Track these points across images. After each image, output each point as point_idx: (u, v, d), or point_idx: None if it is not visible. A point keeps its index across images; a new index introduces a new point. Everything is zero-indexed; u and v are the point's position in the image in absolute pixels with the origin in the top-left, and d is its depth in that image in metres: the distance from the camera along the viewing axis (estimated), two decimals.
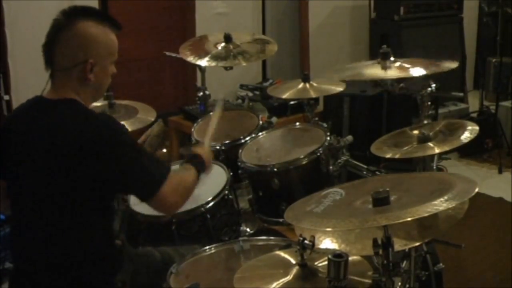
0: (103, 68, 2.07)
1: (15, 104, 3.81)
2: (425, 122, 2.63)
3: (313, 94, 3.10)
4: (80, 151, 1.93)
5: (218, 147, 2.96)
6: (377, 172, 3.01)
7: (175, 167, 2.69)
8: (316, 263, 1.82)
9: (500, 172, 4.74)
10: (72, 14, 2.04)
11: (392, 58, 2.61)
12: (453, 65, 2.57)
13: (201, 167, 2.26)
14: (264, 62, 5.19)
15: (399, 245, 1.77)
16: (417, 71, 2.52)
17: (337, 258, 1.64)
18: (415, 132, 2.55)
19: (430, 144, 2.44)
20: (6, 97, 3.79)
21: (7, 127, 2.11)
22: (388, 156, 2.46)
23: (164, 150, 4.62)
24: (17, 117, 2.15)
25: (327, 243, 1.87)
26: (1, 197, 2.14)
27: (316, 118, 3.16)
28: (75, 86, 2.03)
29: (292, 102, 4.41)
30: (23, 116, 2.10)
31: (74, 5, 2.06)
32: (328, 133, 2.85)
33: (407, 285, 2.10)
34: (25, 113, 2.11)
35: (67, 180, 1.96)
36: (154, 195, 2.02)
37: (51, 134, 1.98)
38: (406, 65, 2.59)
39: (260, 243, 2.22)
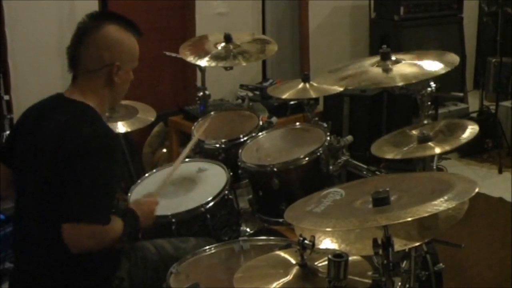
0: (126, 72, 2.12)
1: (15, 104, 3.81)
2: (425, 122, 2.63)
3: (313, 94, 3.10)
4: (63, 152, 1.94)
5: (218, 147, 2.96)
6: (377, 172, 3.01)
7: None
8: (316, 263, 1.82)
9: (500, 172, 4.75)
10: (99, 18, 2.08)
11: (394, 58, 2.58)
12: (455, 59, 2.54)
13: (131, 224, 2.12)
14: (264, 62, 5.19)
15: (399, 245, 1.77)
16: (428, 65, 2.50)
17: (337, 258, 1.64)
18: (415, 132, 2.55)
19: (430, 144, 2.44)
20: (6, 97, 3.79)
21: (22, 120, 2.15)
22: (388, 156, 2.46)
23: (164, 150, 4.63)
24: (31, 111, 2.16)
25: (327, 243, 1.87)
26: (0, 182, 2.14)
27: (316, 118, 3.16)
28: (99, 88, 2.06)
29: (292, 102, 4.41)
30: (36, 111, 2.12)
31: (100, 10, 2.09)
32: (328, 133, 2.85)
33: (407, 285, 2.10)
34: (39, 108, 2.12)
35: (60, 179, 1.96)
36: (73, 222, 1.92)
37: (51, 133, 2.00)
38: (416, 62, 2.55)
39: (260, 243, 2.22)
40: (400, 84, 2.39)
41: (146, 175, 2.81)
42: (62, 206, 1.94)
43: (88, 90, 2.05)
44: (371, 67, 2.56)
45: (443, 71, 2.43)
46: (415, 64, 2.52)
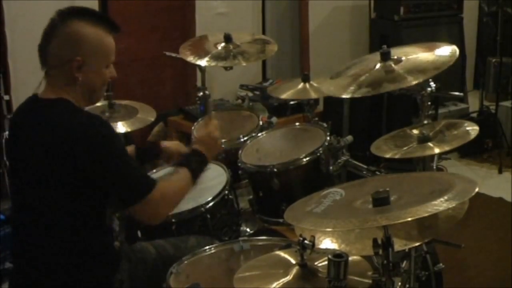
0: (94, 68, 2.06)
1: (15, 104, 3.81)
2: (425, 122, 2.62)
3: (313, 94, 3.11)
4: (69, 152, 1.94)
5: None
6: (377, 172, 3.01)
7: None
8: (316, 263, 1.82)
9: (500, 172, 4.74)
10: (67, 14, 2.05)
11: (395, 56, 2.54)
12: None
13: (198, 164, 2.23)
14: (264, 62, 5.19)
15: (399, 245, 1.77)
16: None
17: (337, 258, 1.64)
18: (415, 132, 2.55)
19: (430, 144, 2.44)
20: (6, 97, 3.79)
21: (10, 126, 2.18)
22: (388, 156, 2.46)
23: None
24: (15, 117, 2.18)
25: (327, 243, 1.87)
26: None
27: (316, 118, 3.16)
28: (64, 85, 2.04)
29: (292, 102, 4.41)
30: (19, 116, 2.13)
31: (71, 6, 2.07)
32: (328, 133, 2.85)
33: (407, 285, 2.10)
34: (21, 112, 2.14)
35: (60, 180, 1.97)
36: (141, 200, 2.00)
37: (42, 134, 1.99)
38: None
39: (260, 243, 2.22)
40: (415, 82, 2.34)
41: None
42: (115, 195, 2.03)
43: (57, 87, 2.05)
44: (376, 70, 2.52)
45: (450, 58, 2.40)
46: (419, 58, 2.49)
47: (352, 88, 2.38)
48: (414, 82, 2.32)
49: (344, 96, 2.47)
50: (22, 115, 2.11)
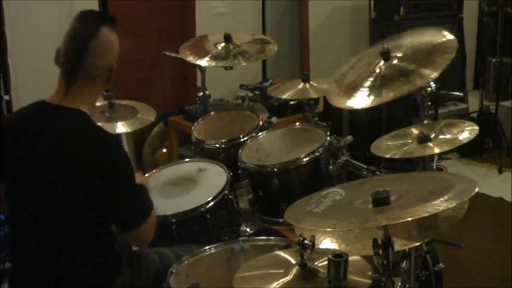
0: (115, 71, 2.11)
1: (15, 104, 3.81)
2: (425, 122, 2.62)
3: (313, 94, 3.11)
4: (82, 165, 1.94)
5: (218, 147, 2.96)
6: (377, 172, 3.01)
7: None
8: (316, 263, 1.82)
9: (500, 172, 4.75)
10: (93, 21, 2.05)
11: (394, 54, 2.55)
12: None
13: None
14: (264, 62, 5.19)
15: (399, 245, 1.77)
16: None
17: (337, 258, 1.64)
18: (415, 132, 2.55)
19: (430, 144, 2.44)
20: (6, 97, 3.79)
21: (8, 130, 2.08)
22: (388, 156, 2.46)
23: (164, 150, 4.63)
24: (20, 121, 2.11)
25: (327, 243, 1.87)
26: (1, 197, 2.13)
27: (316, 118, 3.16)
28: (97, 93, 2.08)
29: (292, 102, 4.41)
30: (27, 120, 2.07)
31: (92, 11, 2.10)
32: (328, 133, 2.85)
33: (407, 285, 2.10)
34: (29, 117, 2.08)
35: (66, 190, 1.96)
36: (140, 224, 2.06)
37: (57, 143, 1.97)
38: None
39: (260, 243, 2.21)
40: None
41: (146, 175, 2.80)
42: (123, 217, 2.06)
43: (85, 96, 2.04)
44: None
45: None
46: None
47: (372, 96, 2.39)
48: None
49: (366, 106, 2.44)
50: (30, 121, 2.05)
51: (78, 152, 1.94)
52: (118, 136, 2.12)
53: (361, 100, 2.44)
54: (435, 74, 2.31)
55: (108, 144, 2.01)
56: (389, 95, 2.37)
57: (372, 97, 2.42)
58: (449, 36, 2.46)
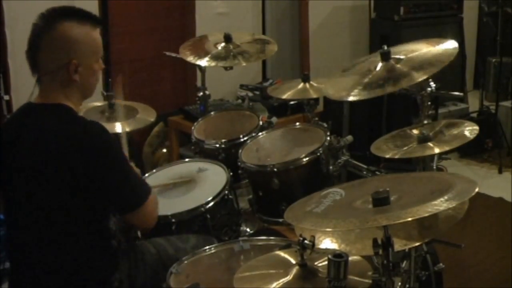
0: (88, 67, 2.06)
1: (15, 104, 3.81)
2: (425, 122, 2.62)
3: (313, 94, 3.11)
4: (70, 157, 1.94)
5: (218, 147, 2.96)
6: (377, 172, 3.01)
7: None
8: (316, 263, 1.82)
9: (500, 172, 4.74)
10: (51, 17, 2.04)
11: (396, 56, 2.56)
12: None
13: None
14: (264, 62, 5.19)
15: (399, 245, 1.77)
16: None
17: (337, 258, 1.64)
18: (415, 132, 2.55)
19: (430, 144, 2.44)
20: (6, 97, 3.79)
21: (2, 134, 2.10)
22: (388, 156, 2.46)
23: (164, 150, 4.63)
24: (8, 124, 2.17)
25: (327, 243, 1.87)
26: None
27: (316, 118, 3.16)
28: (61, 88, 2.04)
29: (292, 102, 4.41)
30: (13, 123, 2.11)
31: (52, 7, 2.06)
32: (328, 133, 2.85)
33: (407, 285, 2.10)
34: (15, 120, 2.12)
35: (57, 185, 1.97)
36: (139, 207, 2.07)
37: (40, 140, 1.99)
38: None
39: (260, 243, 2.22)
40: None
41: (146, 175, 2.81)
42: (115, 202, 2.07)
43: (54, 92, 2.03)
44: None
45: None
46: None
47: (356, 90, 2.40)
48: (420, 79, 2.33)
49: (347, 99, 2.48)
50: (17, 123, 2.07)
51: (64, 145, 1.95)
52: (98, 123, 2.07)
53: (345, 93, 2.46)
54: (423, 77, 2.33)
55: (92, 131, 1.99)
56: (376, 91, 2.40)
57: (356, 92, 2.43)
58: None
